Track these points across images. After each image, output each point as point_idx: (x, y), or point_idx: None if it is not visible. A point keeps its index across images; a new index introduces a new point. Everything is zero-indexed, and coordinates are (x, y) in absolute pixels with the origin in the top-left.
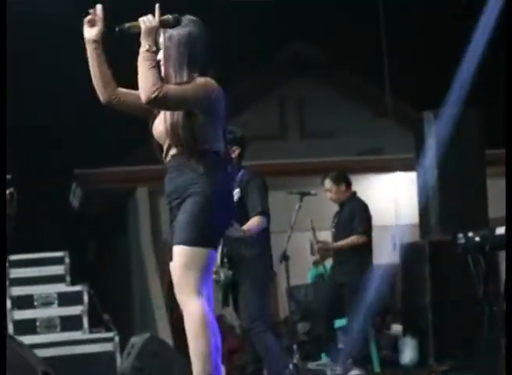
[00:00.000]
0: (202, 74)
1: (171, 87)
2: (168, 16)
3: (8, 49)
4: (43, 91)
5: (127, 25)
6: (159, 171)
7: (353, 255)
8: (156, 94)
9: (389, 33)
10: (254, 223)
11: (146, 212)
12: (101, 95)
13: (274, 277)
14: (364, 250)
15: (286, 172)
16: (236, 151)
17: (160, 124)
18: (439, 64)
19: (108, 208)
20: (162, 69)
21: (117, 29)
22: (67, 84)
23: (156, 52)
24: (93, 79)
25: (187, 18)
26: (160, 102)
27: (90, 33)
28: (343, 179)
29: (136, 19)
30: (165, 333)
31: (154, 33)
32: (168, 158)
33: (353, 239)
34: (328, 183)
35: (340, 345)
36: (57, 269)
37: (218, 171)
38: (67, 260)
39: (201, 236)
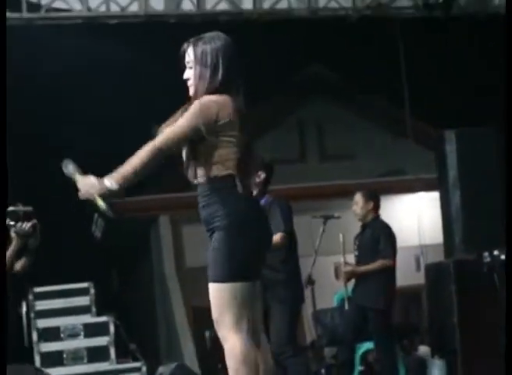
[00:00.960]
0: (231, 92)
1: (162, 140)
2: (70, 167)
3: (21, 75)
4: (65, 121)
5: (102, 205)
6: (181, 199)
7: (376, 277)
8: (157, 148)
9: (408, 53)
10: (276, 239)
11: (169, 240)
12: None
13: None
14: (387, 272)
15: (307, 195)
16: (261, 176)
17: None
18: (459, 83)
19: (130, 237)
20: (192, 86)
21: (108, 212)
22: (87, 117)
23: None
24: None
25: (219, 34)
26: (166, 153)
27: None
28: (373, 197)
29: None
30: (191, 361)
31: (92, 182)
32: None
33: (379, 263)
34: (358, 196)
35: (360, 368)
36: (82, 300)
37: (241, 197)
38: (92, 291)
39: (235, 271)
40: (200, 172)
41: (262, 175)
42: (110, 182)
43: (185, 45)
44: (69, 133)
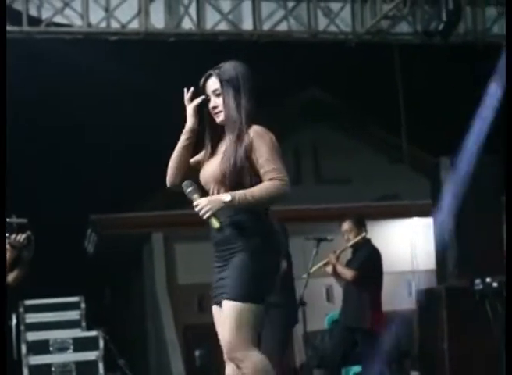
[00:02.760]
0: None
1: (285, 176)
2: (192, 190)
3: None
4: (60, 136)
5: (217, 225)
6: (174, 217)
7: (362, 298)
8: (287, 189)
9: (405, 80)
10: None
11: (161, 257)
12: (170, 178)
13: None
14: (373, 293)
15: (302, 217)
16: None
17: (209, 171)
18: (455, 110)
19: (123, 253)
20: (225, 113)
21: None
22: (83, 131)
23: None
24: (172, 161)
25: (236, 62)
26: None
27: (192, 122)
28: (363, 223)
29: None
30: None
31: (214, 199)
32: None
33: (351, 273)
34: (349, 224)
35: None
36: (72, 315)
37: (264, 220)
38: (83, 305)
39: (254, 291)
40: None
41: None
42: (225, 196)
43: (208, 73)
44: (63, 149)
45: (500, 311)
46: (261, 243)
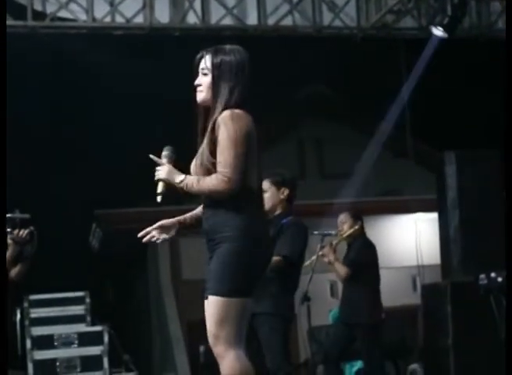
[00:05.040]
0: (246, 108)
1: (228, 172)
2: (167, 153)
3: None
4: (63, 131)
5: (160, 191)
6: (179, 211)
7: (361, 293)
8: (227, 188)
9: (409, 73)
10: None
11: (166, 252)
12: None
13: (293, 319)
14: (372, 288)
15: (306, 212)
16: (284, 193)
17: (194, 163)
18: (460, 104)
19: (127, 248)
20: (205, 93)
21: (160, 200)
22: (87, 126)
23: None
24: None
25: (237, 47)
26: (237, 187)
27: None
28: (359, 217)
29: None
30: (184, 373)
31: (171, 170)
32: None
33: (345, 270)
34: (345, 216)
35: None
36: (77, 310)
37: (252, 211)
38: (87, 300)
39: (236, 286)
40: None
41: (286, 191)
42: (179, 176)
43: (203, 52)
44: (68, 143)
45: (505, 306)
46: (242, 234)
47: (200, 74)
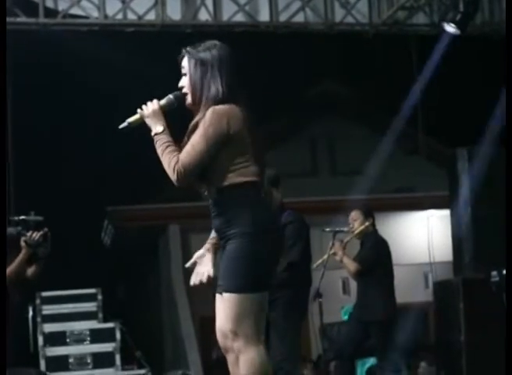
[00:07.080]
0: (235, 101)
1: (184, 158)
2: (169, 96)
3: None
4: (75, 128)
5: (128, 121)
6: (190, 208)
7: (375, 290)
8: (176, 175)
9: (421, 70)
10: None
11: (177, 248)
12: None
13: (306, 316)
14: (386, 285)
15: (318, 209)
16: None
17: None
18: (472, 101)
19: (139, 245)
20: (189, 93)
21: (121, 127)
22: (98, 123)
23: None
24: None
25: (214, 43)
26: (185, 178)
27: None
28: (370, 214)
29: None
30: (196, 370)
31: (158, 115)
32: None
33: (355, 266)
34: (356, 213)
35: None
36: (89, 306)
37: (259, 205)
38: (100, 297)
39: (250, 281)
40: (214, 181)
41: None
42: (159, 127)
43: (182, 52)
44: (80, 142)
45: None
46: (252, 229)
47: (183, 76)
